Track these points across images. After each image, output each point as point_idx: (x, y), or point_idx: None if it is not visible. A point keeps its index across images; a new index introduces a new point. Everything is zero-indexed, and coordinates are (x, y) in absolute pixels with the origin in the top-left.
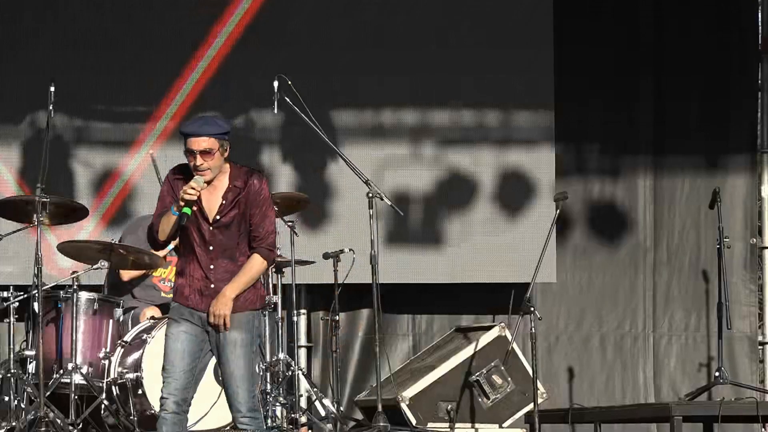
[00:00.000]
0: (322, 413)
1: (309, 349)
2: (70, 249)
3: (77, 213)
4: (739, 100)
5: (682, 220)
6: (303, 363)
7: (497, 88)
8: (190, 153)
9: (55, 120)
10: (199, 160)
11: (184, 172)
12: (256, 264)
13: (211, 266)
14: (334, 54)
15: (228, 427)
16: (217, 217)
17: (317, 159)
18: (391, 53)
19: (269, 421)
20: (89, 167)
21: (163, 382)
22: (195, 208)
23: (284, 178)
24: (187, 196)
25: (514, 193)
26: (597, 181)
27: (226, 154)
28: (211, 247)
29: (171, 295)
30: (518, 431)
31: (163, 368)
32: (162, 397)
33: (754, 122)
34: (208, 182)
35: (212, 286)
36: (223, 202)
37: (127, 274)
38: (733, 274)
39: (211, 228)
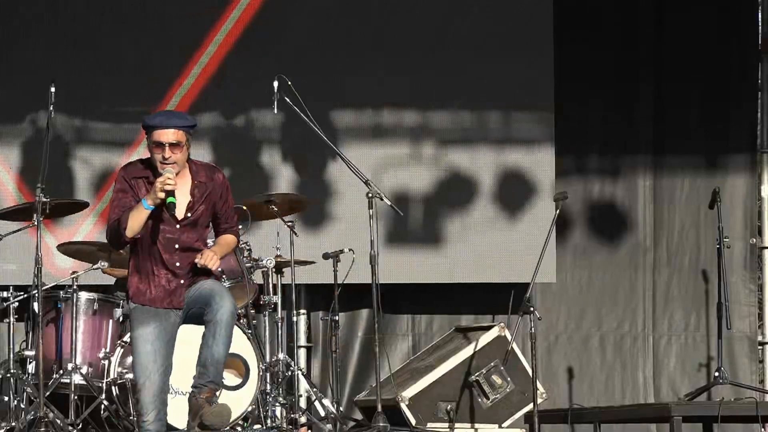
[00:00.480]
0: (322, 413)
1: (309, 349)
2: (69, 249)
3: (79, 205)
4: (739, 100)
5: (681, 219)
6: (303, 363)
7: (497, 88)
8: (157, 145)
9: (55, 120)
10: (167, 152)
11: (139, 170)
12: (231, 241)
13: (177, 263)
14: (334, 54)
15: (228, 427)
16: (188, 215)
17: (317, 159)
18: (391, 53)
19: (269, 421)
20: (89, 167)
21: (139, 390)
22: (158, 206)
23: (284, 178)
24: (168, 187)
25: (514, 193)
26: (597, 181)
27: (190, 149)
28: (176, 246)
29: None
30: (518, 431)
31: (136, 373)
32: (143, 408)
33: (754, 122)
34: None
35: (182, 281)
36: (192, 199)
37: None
38: (733, 274)
39: (178, 226)
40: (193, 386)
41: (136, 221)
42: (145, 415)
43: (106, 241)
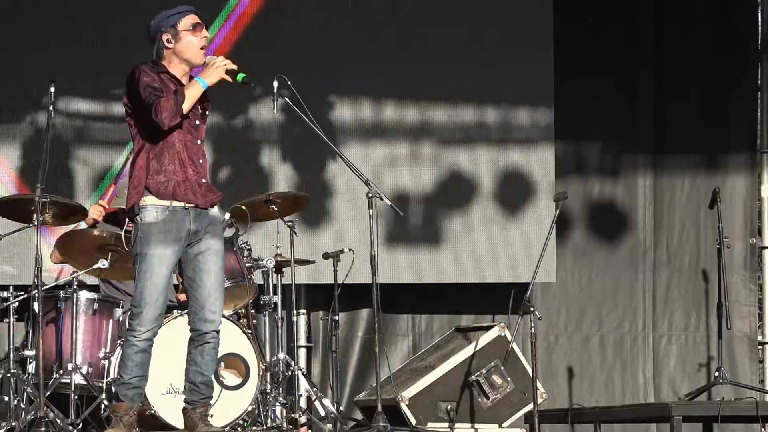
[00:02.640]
0: (322, 413)
1: (309, 349)
2: (67, 247)
3: (77, 215)
4: (739, 100)
5: (681, 220)
6: (303, 363)
7: (497, 87)
8: (196, 27)
9: (55, 120)
10: (207, 32)
11: (160, 67)
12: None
13: (200, 161)
14: (334, 54)
15: (228, 427)
16: (206, 105)
17: (317, 159)
18: (391, 53)
19: (269, 421)
20: (89, 167)
21: (140, 306)
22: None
23: (284, 178)
24: (231, 66)
25: (514, 193)
26: (597, 181)
27: None
28: (199, 141)
29: None
30: (518, 431)
31: (141, 290)
32: (137, 325)
33: (754, 122)
34: None
35: (203, 180)
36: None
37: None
38: (733, 274)
39: (197, 122)
40: (185, 401)
41: (191, 97)
42: (135, 335)
43: (153, 116)
